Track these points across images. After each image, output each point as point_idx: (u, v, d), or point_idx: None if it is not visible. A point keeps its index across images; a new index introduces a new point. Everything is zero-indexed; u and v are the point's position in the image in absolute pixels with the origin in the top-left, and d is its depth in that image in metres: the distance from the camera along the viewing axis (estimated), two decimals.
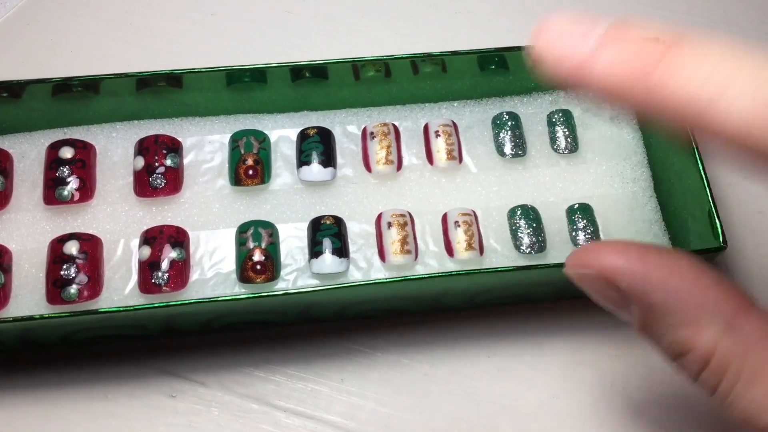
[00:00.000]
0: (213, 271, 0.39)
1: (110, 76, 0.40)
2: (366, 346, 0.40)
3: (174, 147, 0.41)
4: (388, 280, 0.35)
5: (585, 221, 0.41)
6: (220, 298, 0.35)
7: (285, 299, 0.35)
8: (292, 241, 0.40)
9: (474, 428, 0.38)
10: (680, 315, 0.26)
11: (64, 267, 0.37)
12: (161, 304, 0.34)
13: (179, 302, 0.35)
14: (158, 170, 0.40)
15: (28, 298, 0.38)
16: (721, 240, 0.37)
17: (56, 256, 0.38)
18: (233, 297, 0.35)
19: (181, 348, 0.40)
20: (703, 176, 0.38)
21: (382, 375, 0.40)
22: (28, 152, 0.41)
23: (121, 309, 0.34)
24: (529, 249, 0.40)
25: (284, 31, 0.46)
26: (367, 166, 0.42)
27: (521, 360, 0.41)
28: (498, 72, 0.43)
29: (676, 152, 0.41)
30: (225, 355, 0.40)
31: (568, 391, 0.40)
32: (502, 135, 0.43)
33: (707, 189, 0.38)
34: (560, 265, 0.36)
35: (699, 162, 0.39)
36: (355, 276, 0.40)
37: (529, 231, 0.40)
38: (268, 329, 0.41)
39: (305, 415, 0.39)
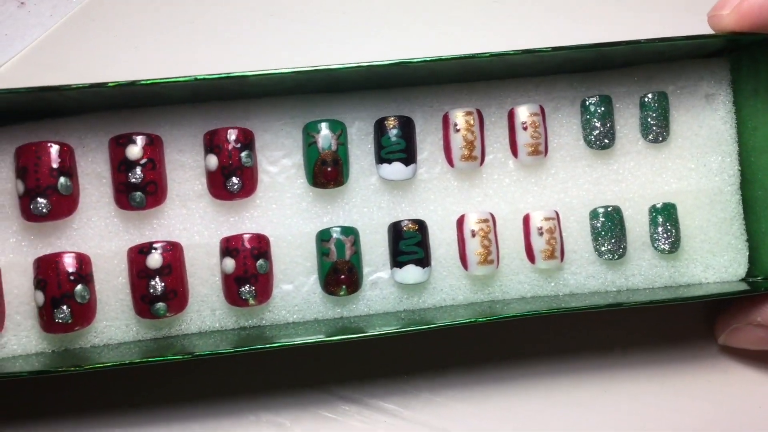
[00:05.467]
0: (296, 278, 0.39)
1: (172, 80, 0.36)
2: None
3: (247, 142, 0.38)
4: (469, 320, 0.36)
5: (667, 224, 0.40)
6: (309, 341, 0.36)
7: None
8: (373, 241, 0.40)
9: None
10: None
11: (151, 284, 0.37)
12: (245, 349, 0.35)
13: (267, 346, 0.35)
14: (235, 174, 0.38)
15: (115, 309, 0.38)
16: None
17: (140, 270, 0.37)
18: (326, 339, 0.36)
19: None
20: None
21: None
22: (88, 141, 0.39)
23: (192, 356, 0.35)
24: (610, 255, 0.40)
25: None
26: (449, 160, 0.40)
27: None
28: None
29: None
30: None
31: None
32: (591, 123, 0.40)
33: None
34: (632, 303, 0.37)
35: None
36: (437, 283, 0.40)
37: (610, 236, 0.40)
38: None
39: None
